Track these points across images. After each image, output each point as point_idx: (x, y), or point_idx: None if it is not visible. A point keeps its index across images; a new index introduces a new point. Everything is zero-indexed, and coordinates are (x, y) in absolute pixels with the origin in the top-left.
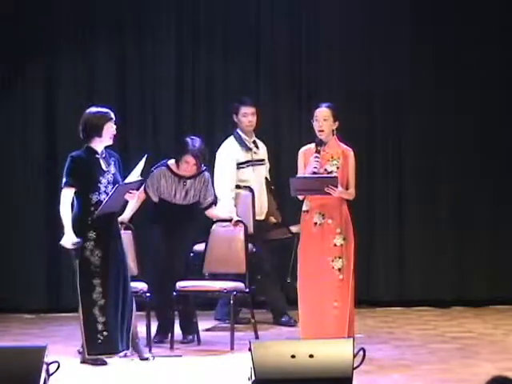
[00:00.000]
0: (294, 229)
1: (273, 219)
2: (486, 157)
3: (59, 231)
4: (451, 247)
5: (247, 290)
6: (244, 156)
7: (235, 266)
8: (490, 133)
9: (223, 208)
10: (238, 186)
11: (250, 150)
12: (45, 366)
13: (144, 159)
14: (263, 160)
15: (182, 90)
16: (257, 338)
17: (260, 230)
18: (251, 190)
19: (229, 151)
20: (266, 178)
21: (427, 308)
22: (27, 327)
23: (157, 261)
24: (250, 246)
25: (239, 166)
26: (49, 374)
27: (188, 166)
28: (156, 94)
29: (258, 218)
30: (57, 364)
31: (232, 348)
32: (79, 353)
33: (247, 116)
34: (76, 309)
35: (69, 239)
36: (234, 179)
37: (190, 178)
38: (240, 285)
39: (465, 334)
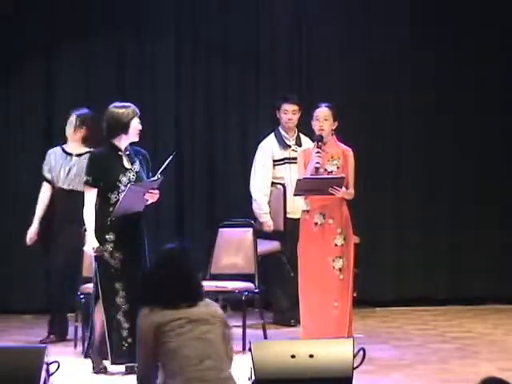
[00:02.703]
0: None
1: None
2: (486, 157)
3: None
4: (451, 247)
5: (257, 290)
6: (281, 153)
7: (244, 266)
8: (491, 134)
9: (256, 204)
10: (272, 183)
11: (289, 147)
12: (45, 366)
13: (171, 157)
14: None
15: (181, 90)
16: (265, 337)
17: (294, 228)
18: (284, 187)
19: (265, 148)
20: None
21: (427, 308)
22: (27, 327)
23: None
24: (277, 243)
25: (275, 162)
26: (49, 374)
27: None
28: (156, 94)
29: (292, 216)
30: (57, 364)
31: (244, 348)
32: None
33: (287, 113)
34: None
35: (90, 244)
36: (269, 176)
37: (77, 155)
38: (250, 285)
39: (465, 334)
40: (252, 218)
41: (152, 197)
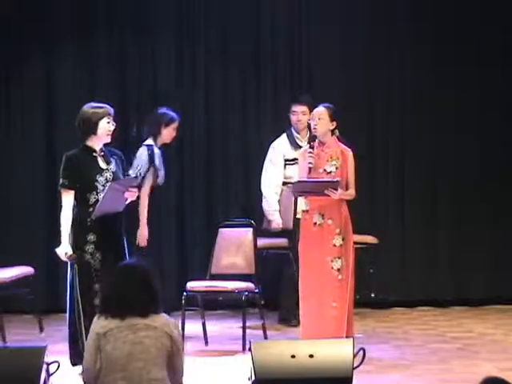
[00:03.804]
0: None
1: None
2: (486, 157)
3: (59, 231)
4: (451, 247)
5: (256, 290)
6: (292, 153)
7: (245, 266)
8: (491, 133)
9: (266, 202)
10: (283, 183)
11: (300, 147)
12: (45, 366)
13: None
14: None
15: (181, 90)
16: (265, 337)
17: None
18: None
19: (277, 147)
20: None
21: (427, 308)
22: (27, 327)
23: None
24: (285, 239)
25: (286, 162)
26: (49, 374)
27: (174, 131)
28: (156, 94)
29: (300, 216)
30: (57, 364)
31: (244, 348)
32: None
33: (296, 114)
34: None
35: (63, 250)
36: (281, 175)
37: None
38: (250, 285)
39: (465, 334)
40: (253, 217)
41: (131, 195)
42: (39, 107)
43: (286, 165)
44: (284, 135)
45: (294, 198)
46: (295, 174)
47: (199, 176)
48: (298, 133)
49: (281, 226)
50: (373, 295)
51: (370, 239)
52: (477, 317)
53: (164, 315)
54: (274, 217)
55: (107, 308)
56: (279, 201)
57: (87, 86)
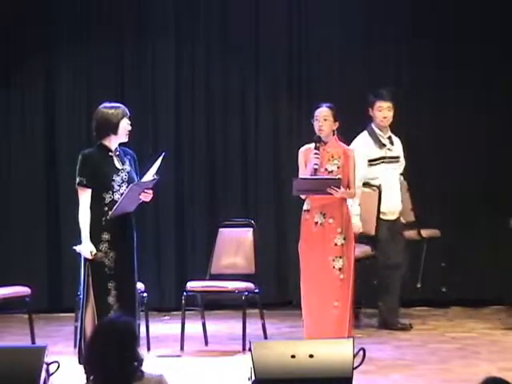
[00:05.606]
0: (424, 233)
1: (402, 219)
2: (489, 156)
3: (59, 231)
4: (451, 247)
5: (256, 290)
6: (377, 152)
7: (245, 266)
8: (493, 131)
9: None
10: (366, 184)
11: (384, 146)
12: (45, 366)
13: (161, 158)
14: (398, 157)
15: (181, 90)
16: (265, 337)
17: (391, 230)
18: (379, 189)
19: (360, 147)
20: (403, 176)
21: (427, 308)
22: (27, 327)
23: None
24: (368, 248)
25: (371, 162)
26: (49, 374)
27: None
28: (156, 94)
29: (388, 217)
30: (57, 364)
31: (244, 348)
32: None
33: (382, 110)
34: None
35: (87, 248)
36: (362, 176)
37: None
38: (250, 285)
39: (465, 334)
40: (251, 217)
41: (146, 197)
42: (39, 107)
43: (369, 165)
44: (365, 134)
45: (377, 200)
46: (380, 174)
47: (199, 176)
48: (381, 130)
49: (361, 229)
50: (444, 290)
51: (434, 233)
52: (477, 317)
53: (147, 376)
54: (353, 220)
55: (89, 372)
56: (360, 204)
57: (87, 87)
